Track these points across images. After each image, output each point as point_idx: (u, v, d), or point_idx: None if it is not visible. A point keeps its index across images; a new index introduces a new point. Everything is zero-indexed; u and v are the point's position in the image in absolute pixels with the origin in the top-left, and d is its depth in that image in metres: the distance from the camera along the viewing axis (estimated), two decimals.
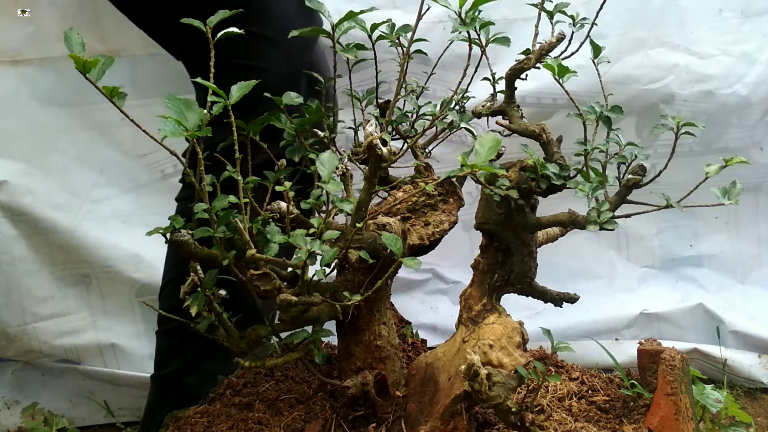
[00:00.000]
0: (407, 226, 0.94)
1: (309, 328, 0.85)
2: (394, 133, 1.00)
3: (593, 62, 0.83)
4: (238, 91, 0.71)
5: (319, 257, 0.72)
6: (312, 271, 0.75)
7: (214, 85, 0.68)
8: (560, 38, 0.83)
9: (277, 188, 0.79)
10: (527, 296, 0.94)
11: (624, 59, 1.60)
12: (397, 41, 0.87)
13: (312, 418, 0.95)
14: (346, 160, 0.92)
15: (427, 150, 1.08)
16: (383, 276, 0.80)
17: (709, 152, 1.67)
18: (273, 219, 0.82)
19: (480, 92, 0.98)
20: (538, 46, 0.82)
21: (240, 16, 0.72)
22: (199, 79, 0.69)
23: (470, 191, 1.44)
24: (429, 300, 1.74)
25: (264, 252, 0.75)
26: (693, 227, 1.77)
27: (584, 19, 0.84)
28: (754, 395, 1.57)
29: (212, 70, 0.71)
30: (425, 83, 1.00)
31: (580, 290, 0.99)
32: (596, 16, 0.83)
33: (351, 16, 0.75)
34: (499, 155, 0.94)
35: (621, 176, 0.81)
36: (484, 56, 0.84)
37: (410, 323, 1.33)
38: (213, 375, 1.17)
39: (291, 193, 0.77)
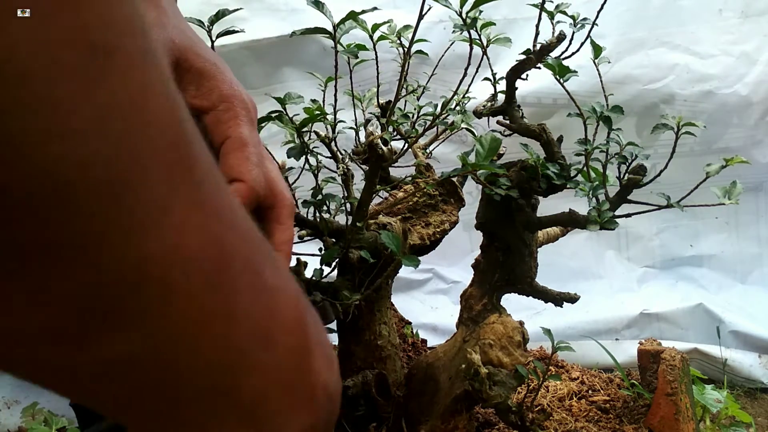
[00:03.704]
0: (408, 226, 0.94)
1: None
2: (394, 133, 1.00)
3: (594, 62, 0.83)
4: None
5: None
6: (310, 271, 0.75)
7: None
8: (561, 38, 0.83)
9: None
10: (527, 296, 0.94)
11: (624, 59, 1.60)
12: (398, 41, 0.87)
13: None
14: (347, 159, 0.92)
15: (428, 150, 1.08)
16: (383, 275, 0.80)
17: (709, 152, 1.67)
18: None
19: (481, 92, 0.98)
20: (538, 46, 0.82)
21: None
22: None
23: (470, 191, 1.44)
24: (429, 300, 1.74)
25: None
26: (693, 227, 1.77)
27: (585, 19, 0.84)
28: (754, 395, 1.57)
29: None
30: (426, 83, 1.00)
31: (580, 290, 0.99)
32: (597, 16, 0.83)
33: (352, 16, 0.75)
34: (499, 155, 0.94)
35: (621, 176, 0.81)
36: (484, 56, 0.84)
37: (410, 323, 1.33)
38: None
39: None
